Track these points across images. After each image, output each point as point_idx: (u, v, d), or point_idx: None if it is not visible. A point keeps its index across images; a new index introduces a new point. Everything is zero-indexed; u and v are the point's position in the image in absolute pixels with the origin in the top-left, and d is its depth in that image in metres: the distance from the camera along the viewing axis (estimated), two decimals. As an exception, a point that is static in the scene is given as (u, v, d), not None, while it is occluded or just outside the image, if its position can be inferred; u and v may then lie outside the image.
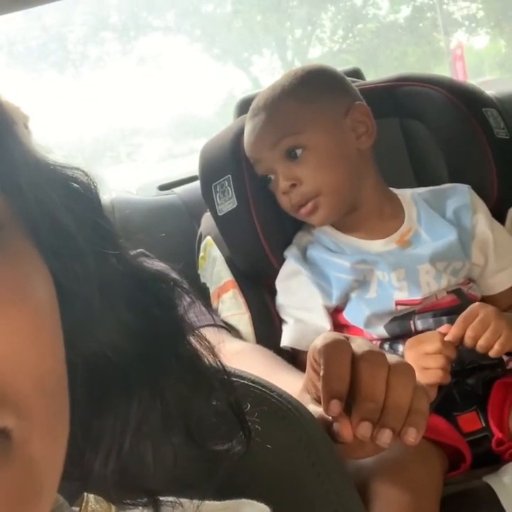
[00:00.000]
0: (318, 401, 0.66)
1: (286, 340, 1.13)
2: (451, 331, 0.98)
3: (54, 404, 0.32)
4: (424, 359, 0.95)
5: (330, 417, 0.60)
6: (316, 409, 0.64)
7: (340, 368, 0.61)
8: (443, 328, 1.00)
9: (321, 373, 0.62)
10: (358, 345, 0.62)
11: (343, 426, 0.59)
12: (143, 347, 0.39)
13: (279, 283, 1.18)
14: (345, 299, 1.12)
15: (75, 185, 0.38)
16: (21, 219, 0.34)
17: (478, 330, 0.97)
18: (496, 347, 0.96)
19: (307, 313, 1.12)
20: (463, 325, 0.97)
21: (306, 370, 0.68)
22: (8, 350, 0.29)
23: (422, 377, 0.92)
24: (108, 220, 0.39)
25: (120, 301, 0.38)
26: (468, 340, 0.97)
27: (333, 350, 0.62)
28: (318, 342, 0.64)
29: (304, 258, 1.16)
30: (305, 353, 1.08)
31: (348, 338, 0.64)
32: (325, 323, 1.10)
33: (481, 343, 0.97)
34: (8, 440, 0.29)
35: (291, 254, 1.17)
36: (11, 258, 0.32)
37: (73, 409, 0.34)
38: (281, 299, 1.17)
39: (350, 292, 1.11)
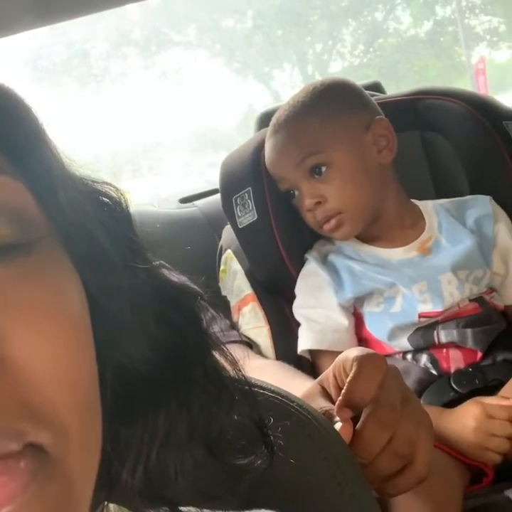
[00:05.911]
0: (329, 397, 0.66)
1: (304, 344, 1.12)
2: None
3: (88, 419, 0.32)
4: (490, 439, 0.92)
5: (336, 417, 0.61)
6: (322, 404, 0.64)
7: (369, 385, 0.61)
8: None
9: (348, 379, 0.61)
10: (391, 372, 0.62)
11: (344, 427, 0.59)
12: (170, 359, 0.39)
13: (298, 282, 1.18)
14: (361, 303, 1.12)
15: (106, 199, 0.39)
16: (57, 231, 0.34)
17: None
18: None
19: (324, 311, 1.10)
20: None
21: (329, 370, 0.68)
22: (45, 366, 0.29)
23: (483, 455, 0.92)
24: (137, 234, 0.40)
25: (149, 315, 0.38)
26: None
27: (369, 366, 0.62)
28: (354, 352, 0.64)
29: (324, 262, 1.16)
30: (324, 355, 1.08)
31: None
32: (343, 320, 1.10)
33: None
34: (46, 455, 0.28)
35: (311, 257, 1.17)
36: (48, 270, 0.32)
37: (103, 421, 0.34)
38: (298, 299, 1.17)
39: (370, 301, 1.11)
